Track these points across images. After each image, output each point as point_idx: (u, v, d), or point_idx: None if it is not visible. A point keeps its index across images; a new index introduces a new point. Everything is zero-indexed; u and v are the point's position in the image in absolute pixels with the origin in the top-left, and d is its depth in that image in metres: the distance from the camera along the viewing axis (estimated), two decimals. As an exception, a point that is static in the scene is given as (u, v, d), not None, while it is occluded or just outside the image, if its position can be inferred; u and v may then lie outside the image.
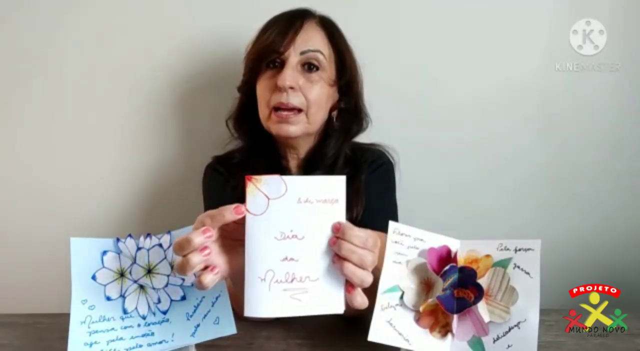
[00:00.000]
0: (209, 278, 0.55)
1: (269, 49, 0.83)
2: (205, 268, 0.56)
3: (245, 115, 0.93)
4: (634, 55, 1.08)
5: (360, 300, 0.57)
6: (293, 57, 0.83)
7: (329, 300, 0.56)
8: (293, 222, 0.55)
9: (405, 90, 1.10)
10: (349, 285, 0.57)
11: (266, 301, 0.55)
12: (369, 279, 0.57)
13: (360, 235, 0.56)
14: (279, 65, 0.84)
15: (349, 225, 0.56)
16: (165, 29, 1.11)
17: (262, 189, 0.55)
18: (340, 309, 0.57)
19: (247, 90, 0.91)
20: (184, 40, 1.11)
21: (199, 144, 1.11)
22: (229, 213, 0.54)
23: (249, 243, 0.55)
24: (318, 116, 0.87)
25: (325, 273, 0.56)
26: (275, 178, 0.55)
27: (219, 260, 0.57)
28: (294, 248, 0.55)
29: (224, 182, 0.91)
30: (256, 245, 0.55)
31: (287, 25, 0.84)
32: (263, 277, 0.55)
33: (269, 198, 0.55)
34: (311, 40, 0.85)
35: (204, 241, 0.54)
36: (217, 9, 1.09)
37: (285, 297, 0.55)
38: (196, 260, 0.54)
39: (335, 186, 0.56)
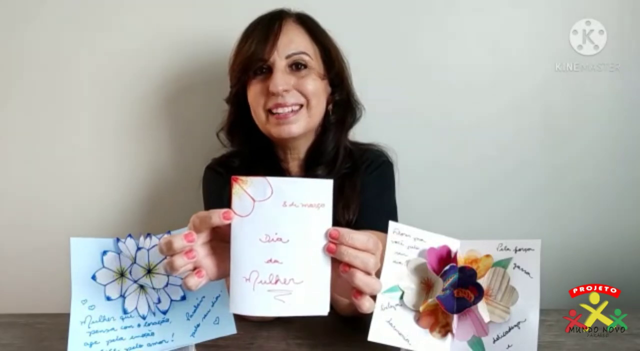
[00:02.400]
0: (193, 282, 0.55)
1: (253, 57, 0.82)
2: (194, 269, 0.56)
3: (238, 125, 0.93)
4: (634, 55, 1.08)
5: (369, 305, 0.57)
6: (279, 62, 0.82)
7: (313, 302, 0.56)
8: (278, 225, 0.55)
9: (405, 93, 1.10)
10: (356, 291, 0.56)
11: (250, 300, 0.55)
12: (378, 287, 0.57)
13: (360, 238, 0.55)
14: (267, 71, 0.84)
15: (348, 229, 0.56)
16: (161, 29, 1.11)
17: (248, 191, 0.54)
18: (324, 311, 0.56)
19: (237, 101, 0.90)
20: (180, 40, 1.11)
21: (199, 144, 1.11)
22: (217, 217, 0.54)
23: (234, 243, 0.55)
24: (318, 109, 0.86)
25: (310, 276, 0.55)
26: (260, 180, 0.54)
27: (207, 262, 0.57)
28: (278, 251, 0.55)
29: (224, 183, 0.91)
30: (241, 245, 0.55)
31: (266, 30, 0.83)
32: (248, 277, 0.55)
33: (254, 200, 0.54)
34: (293, 42, 0.84)
35: (185, 245, 0.54)
36: (212, 8, 1.10)
37: (269, 298, 0.55)
38: (180, 262, 0.54)
39: (321, 190, 0.55)
